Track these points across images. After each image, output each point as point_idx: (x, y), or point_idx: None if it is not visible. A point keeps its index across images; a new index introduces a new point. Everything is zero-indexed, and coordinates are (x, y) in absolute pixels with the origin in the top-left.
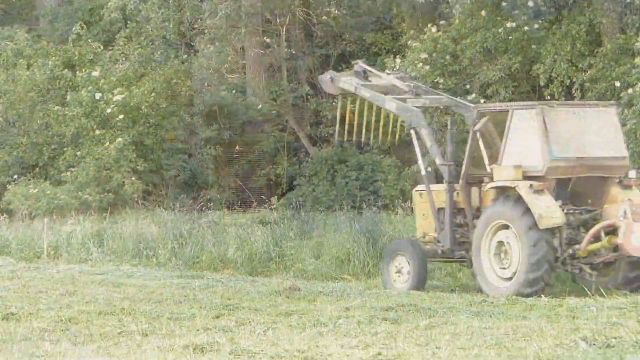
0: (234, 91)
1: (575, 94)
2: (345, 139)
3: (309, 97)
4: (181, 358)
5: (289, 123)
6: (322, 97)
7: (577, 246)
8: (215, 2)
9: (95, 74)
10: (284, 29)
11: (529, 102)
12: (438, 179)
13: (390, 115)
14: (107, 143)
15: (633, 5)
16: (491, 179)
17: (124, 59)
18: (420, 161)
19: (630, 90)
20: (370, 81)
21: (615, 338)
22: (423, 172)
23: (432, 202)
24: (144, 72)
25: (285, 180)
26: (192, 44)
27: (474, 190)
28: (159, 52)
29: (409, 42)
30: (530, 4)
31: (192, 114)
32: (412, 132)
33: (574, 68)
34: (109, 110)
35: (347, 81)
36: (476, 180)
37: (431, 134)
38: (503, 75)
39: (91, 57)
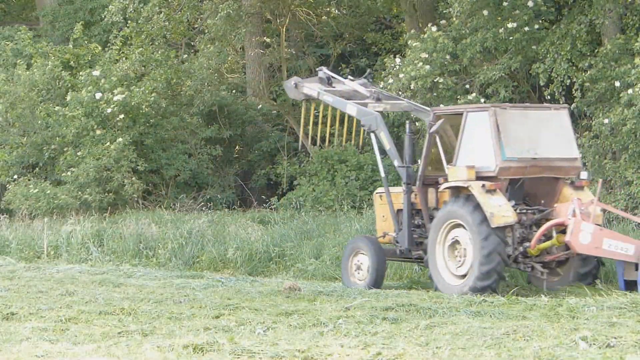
0: (234, 91)
1: (575, 94)
2: (309, 143)
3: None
4: (181, 358)
5: (289, 123)
6: None
7: (527, 244)
8: (215, 1)
9: (95, 73)
10: (284, 29)
11: (483, 105)
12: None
13: (352, 120)
14: (108, 143)
15: (633, 5)
16: (447, 180)
17: (124, 58)
18: (379, 164)
19: (630, 91)
20: (333, 87)
21: (615, 338)
22: (382, 175)
23: (391, 204)
24: (145, 71)
25: (285, 180)
26: (192, 43)
27: (431, 191)
28: (159, 52)
29: (409, 42)
30: (530, 4)
31: (192, 114)
32: (372, 135)
33: (574, 68)
34: (109, 110)
35: (310, 87)
36: (433, 181)
37: (390, 137)
38: (503, 75)
39: (89, 58)
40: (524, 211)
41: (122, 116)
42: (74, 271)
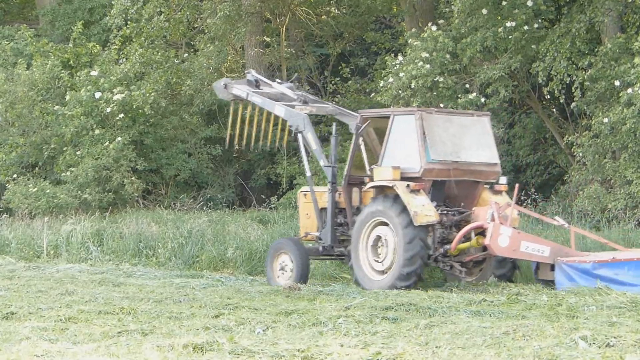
0: None
1: (575, 93)
2: (236, 143)
3: None
4: (181, 357)
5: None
6: (322, 97)
7: (447, 246)
8: (215, 1)
9: (94, 73)
10: (284, 29)
11: (409, 108)
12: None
13: (279, 121)
14: (107, 143)
15: (634, 4)
16: (371, 180)
17: (124, 59)
18: (305, 163)
19: (629, 90)
20: (261, 89)
21: (615, 337)
22: (308, 174)
23: (316, 202)
24: (144, 71)
25: (285, 180)
26: (192, 43)
27: (355, 190)
28: (159, 53)
29: (409, 41)
30: (530, 3)
31: (192, 113)
32: (299, 136)
33: (573, 66)
34: (108, 110)
35: (239, 88)
36: (357, 181)
37: (316, 137)
38: (503, 74)
39: (90, 59)
40: (445, 212)
41: (121, 115)
42: (74, 271)
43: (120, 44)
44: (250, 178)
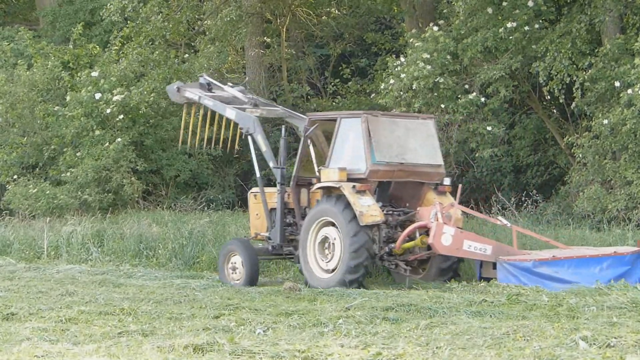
0: None
1: (575, 94)
2: (189, 145)
3: (309, 97)
4: (181, 358)
5: (289, 123)
6: (322, 97)
7: (392, 245)
8: (215, 2)
9: (94, 74)
10: (284, 29)
11: (355, 112)
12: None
13: (230, 124)
14: (107, 143)
15: (634, 4)
16: (319, 181)
17: (122, 59)
18: (255, 165)
19: (629, 91)
20: (213, 92)
21: (615, 338)
22: (258, 175)
23: (265, 203)
24: (144, 71)
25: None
26: (193, 44)
27: (303, 191)
28: (157, 52)
29: (411, 40)
30: (531, 3)
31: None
32: (249, 138)
33: (574, 67)
34: (108, 111)
35: (192, 91)
36: (306, 182)
37: (266, 139)
38: (503, 74)
39: (90, 59)
40: (390, 212)
41: (121, 116)
42: (74, 271)
43: (120, 44)
44: (250, 179)
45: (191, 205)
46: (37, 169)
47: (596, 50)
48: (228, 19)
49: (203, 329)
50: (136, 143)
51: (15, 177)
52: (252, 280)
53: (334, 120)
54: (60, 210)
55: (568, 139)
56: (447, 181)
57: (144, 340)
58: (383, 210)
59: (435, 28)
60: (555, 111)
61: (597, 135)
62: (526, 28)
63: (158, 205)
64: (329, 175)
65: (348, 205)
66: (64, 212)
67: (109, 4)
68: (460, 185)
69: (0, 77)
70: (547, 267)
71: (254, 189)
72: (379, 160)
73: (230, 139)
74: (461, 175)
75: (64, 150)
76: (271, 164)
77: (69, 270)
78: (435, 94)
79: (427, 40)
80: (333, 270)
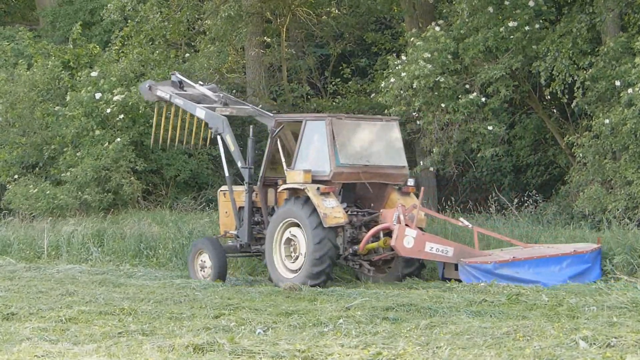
0: (234, 91)
1: (576, 93)
2: (160, 143)
3: (309, 97)
4: (182, 358)
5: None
6: (322, 97)
7: (356, 246)
8: (215, 2)
9: (94, 74)
10: (284, 29)
11: (320, 114)
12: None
13: (201, 122)
14: (107, 143)
15: (635, 3)
16: (285, 182)
17: (122, 58)
18: (224, 164)
19: (630, 90)
20: (185, 91)
21: (615, 338)
22: (226, 174)
23: (234, 202)
24: (144, 71)
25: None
26: (193, 44)
27: (270, 191)
28: (157, 52)
29: (411, 40)
30: (531, 3)
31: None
32: (219, 137)
33: (575, 66)
34: (108, 110)
35: (163, 90)
36: (272, 182)
37: (234, 139)
38: (504, 74)
39: (90, 59)
40: (355, 213)
41: (121, 116)
42: (74, 271)
43: (120, 44)
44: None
45: (191, 205)
46: (37, 169)
47: (597, 49)
48: (226, 14)
49: (203, 329)
50: (136, 143)
51: (15, 177)
52: (220, 277)
53: (299, 121)
54: (61, 210)
55: (568, 138)
56: (411, 182)
57: (144, 340)
58: (348, 211)
59: (437, 28)
60: (555, 111)
61: (598, 135)
62: (527, 28)
63: (158, 205)
64: (294, 177)
65: (312, 206)
66: (64, 212)
67: (108, 4)
68: (422, 188)
69: (0, 77)
70: (508, 268)
71: (223, 188)
72: (342, 162)
73: (202, 137)
74: (461, 175)
75: (64, 150)
76: (239, 164)
77: (69, 270)
78: (436, 93)
79: (428, 40)
80: (297, 270)
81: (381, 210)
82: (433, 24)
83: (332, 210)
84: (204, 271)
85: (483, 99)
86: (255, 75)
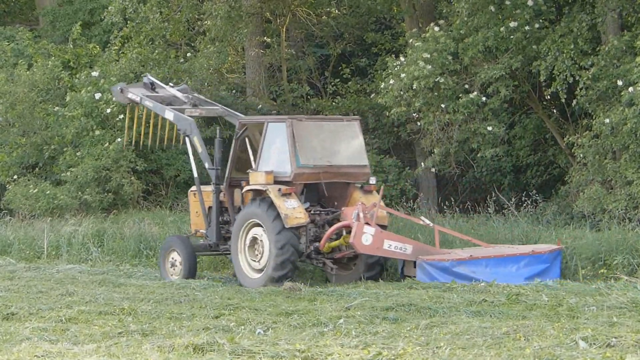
0: (234, 91)
1: (578, 93)
2: (133, 144)
3: (309, 97)
4: (182, 358)
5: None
6: (322, 97)
7: (316, 244)
8: (215, 2)
9: (94, 74)
10: (284, 29)
11: (281, 116)
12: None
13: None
14: (107, 143)
15: (636, 3)
16: (249, 183)
17: (122, 58)
18: (193, 165)
19: (631, 89)
20: (157, 92)
21: (615, 338)
22: (195, 175)
23: (202, 202)
24: (144, 71)
25: None
26: (192, 44)
27: (237, 191)
28: (157, 52)
29: (411, 41)
30: (530, 3)
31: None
32: (187, 139)
33: (576, 66)
34: (108, 110)
35: (134, 92)
36: (238, 183)
37: (202, 141)
38: (504, 74)
39: (90, 59)
40: (318, 212)
41: (121, 116)
42: (74, 271)
43: (120, 44)
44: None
45: None
46: (37, 169)
47: (597, 48)
48: (223, 13)
49: (203, 329)
50: (136, 143)
51: (15, 177)
52: (190, 275)
53: (262, 123)
54: (61, 210)
55: (568, 138)
56: (372, 180)
57: (144, 340)
58: (311, 211)
59: (436, 28)
60: (555, 111)
61: (598, 135)
62: (526, 28)
63: (158, 205)
64: (256, 178)
65: (274, 207)
66: (64, 212)
67: (109, 7)
68: (382, 186)
69: (0, 77)
70: (465, 266)
71: (193, 188)
72: (303, 163)
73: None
74: (461, 175)
75: (64, 150)
76: (206, 165)
77: (69, 270)
78: (436, 93)
79: (428, 40)
80: (262, 269)
81: (342, 209)
82: (432, 24)
83: (293, 210)
84: (174, 269)
85: (483, 99)
86: (255, 76)
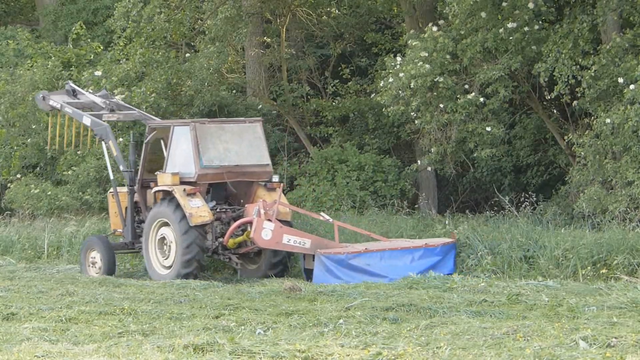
0: (234, 91)
1: (583, 92)
2: (57, 149)
3: (309, 97)
4: (182, 358)
5: (289, 123)
6: (322, 98)
7: (220, 239)
8: (215, 2)
9: (97, 73)
10: (284, 29)
11: (185, 120)
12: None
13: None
14: None
15: (637, 3)
16: (157, 184)
17: (125, 59)
18: (109, 168)
19: (632, 87)
20: (78, 99)
21: (615, 338)
22: (111, 177)
23: (119, 202)
24: (145, 72)
25: (285, 181)
26: (193, 44)
27: (149, 192)
28: (160, 53)
29: (409, 41)
30: (531, 5)
31: (192, 114)
32: (103, 143)
33: (577, 67)
34: None
35: (55, 99)
36: (150, 184)
37: (117, 145)
38: (503, 74)
39: (91, 57)
40: (224, 210)
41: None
42: (75, 271)
43: (123, 45)
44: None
45: None
46: (39, 169)
47: (598, 48)
48: (223, 15)
49: (203, 329)
50: (137, 143)
51: (17, 176)
52: (109, 272)
53: (168, 127)
54: (61, 210)
55: (568, 138)
56: (275, 178)
57: (144, 340)
58: (217, 209)
59: (435, 28)
60: (555, 111)
61: (598, 135)
62: (526, 29)
63: None
64: (163, 180)
65: (179, 207)
66: (64, 212)
67: (115, 13)
68: (281, 184)
69: (0, 77)
70: (360, 259)
71: (112, 189)
72: (206, 164)
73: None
74: (461, 175)
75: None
76: (121, 167)
77: (69, 270)
78: (435, 93)
79: (426, 41)
80: (170, 266)
81: (246, 206)
82: (431, 24)
83: (198, 209)
84: (94, 267)
85: (482, 99)
86: (255, 76)
